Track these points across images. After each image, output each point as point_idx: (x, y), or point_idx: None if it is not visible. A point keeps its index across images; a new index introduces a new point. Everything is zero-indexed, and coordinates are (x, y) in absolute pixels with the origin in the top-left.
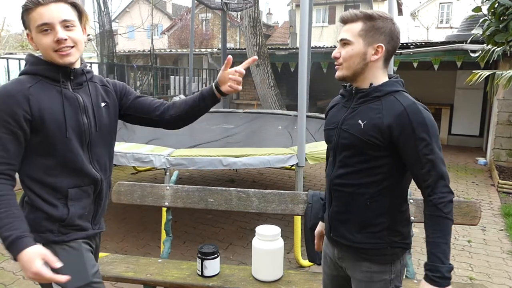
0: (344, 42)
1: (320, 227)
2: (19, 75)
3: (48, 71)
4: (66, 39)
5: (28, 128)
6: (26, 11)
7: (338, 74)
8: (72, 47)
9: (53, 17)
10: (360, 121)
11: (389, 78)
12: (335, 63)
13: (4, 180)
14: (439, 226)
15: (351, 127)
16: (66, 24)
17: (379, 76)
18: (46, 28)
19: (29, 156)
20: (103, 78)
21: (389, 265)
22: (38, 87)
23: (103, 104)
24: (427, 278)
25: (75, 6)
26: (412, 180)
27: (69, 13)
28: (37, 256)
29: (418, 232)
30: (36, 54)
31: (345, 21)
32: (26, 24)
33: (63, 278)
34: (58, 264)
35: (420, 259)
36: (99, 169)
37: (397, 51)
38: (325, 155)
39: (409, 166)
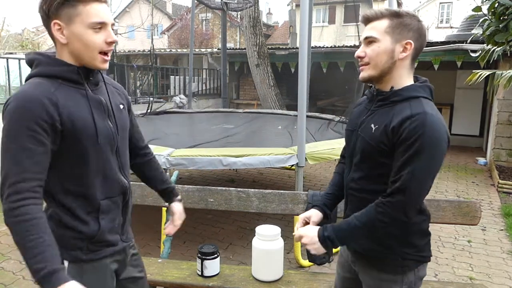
0: (370, 40)
1: (309, 213)
2: (30, 77)
3: (69, 73)
4: (116, 40)
5: (57, 137)
6: (78, 2)
7: (363, 74)
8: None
9: (108, 17)
10: (372, 126)
11: (415, 81)
12: (360, 63)
13: (33, 200)
14: (362, 214)
15: (364, 131)
16: (112, 26)
17: (404, 77)
18: (100, 26)
19: (56, 167)
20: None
21: (400, 275)
22: (61, 90)
23: (121, 106)
24: (320, 227)
25: None
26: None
27: (111, 17)
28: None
29: None
30: (44, 52)
31: (369, 19)
32: (59, 12)
33: None
34: None
35: None
36: (126, 175)
37: None
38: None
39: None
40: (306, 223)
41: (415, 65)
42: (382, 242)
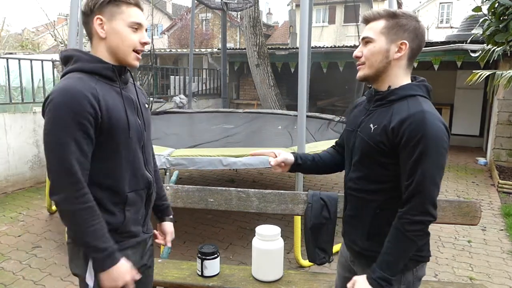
0: (366, 40)
1: (288, 155)
2: (69, 71)
3: (104, 70)
4: (149, 42)
5: (96, 130)
6: (122, 3)
7: (360, 74)
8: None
9: (145, 21)
10: (371, 125)
11: (413, 81)
12: (357, 63)
13: (87, 189)
14: (392, 237)
15: (363, 131)
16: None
17: (401, 77)
18: (137, 27)
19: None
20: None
21: (399, 275)
22: (100, 86)
23: (146, 105)
24: (367, 275)
25: None
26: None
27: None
28: (129, 269)
29: None
30: (81, 50)
31: (367, 20)
32: (103, 10)
33: None
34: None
35: None
36: (150, 170)
37: None
38: None
39: (401, 176)
40: (276, 156)
41: (415, 65)
42: (382, 242)
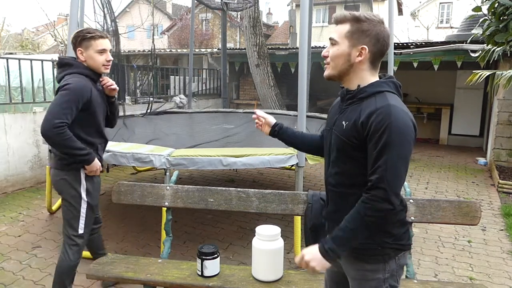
0: (332, 42)
1: (270, 118)
2: (71, 73)
3: (92, 75)
4: (111, 60)
5: (83, 107)
6: (91, 38)
7: (325, 73)
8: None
9: (108, 46)
10: (343, 122)
11: (381, 78)
12: (325, 62)
13: (69, 131)
14: (351, 217)
15: (337, 128)
16: (109, 51)
17: (366, 78)
18: (102, 51)
19: (79, 121)
20: None
21: (382, 264)
22: (91, 84)
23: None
24: (319, 243)
25: (110, 40)
26: (407, 181)
27: (110, 45)
28: (98, 163)
29: (418, 232)
30: (76, 58)
31: (336, 22)
32: (81, 44)
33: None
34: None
35: (420, 259)
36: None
37: (396, 51)
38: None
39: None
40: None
41: (415, 65)
42: (367, 235)
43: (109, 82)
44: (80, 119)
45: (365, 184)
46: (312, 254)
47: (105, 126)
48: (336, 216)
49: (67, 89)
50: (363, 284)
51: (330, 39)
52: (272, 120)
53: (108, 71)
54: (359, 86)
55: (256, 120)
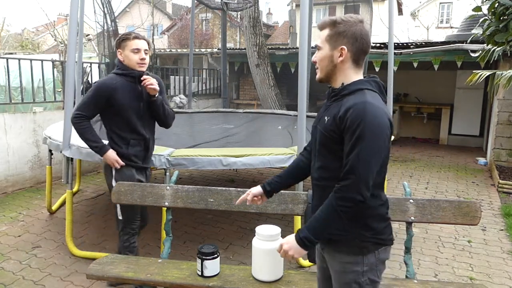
0: (318, 48)
1: (255, 190)
2: (112, 73)
3: (130, 74)
4: (145, 58)
5: (107, 104)
6: (126, 39)
7: (317, 77)
8: (146, 62)
9: (141, 46)
10: (326, 118)
11: (365, 78)
12: (315, 66)
13: (86, 120)
14: (325, 206)
15: (321, 124)
16: (145, 51)
17: (350, 76)
18: (137, 51)
19: (109, 117)
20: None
21: (360, 256)
22: (121, 82)
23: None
24: (295, 234)
25: (148, 43)
26: (407, 181)
27: (146, 46)
28: (115, 155)
29: (418, 232)
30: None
31: (319, 28)
32: (120, 45)
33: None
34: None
35: (420, 259)
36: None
37: (396, 51)
38: None
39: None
40: (252, 195)
41: (415, 65)
42: (340, 225)
43: (148, 81)
44: (109, 114)
45: None
46: (289, 243)
47: (160, 125)
48: None
49: (92, 86)
50: (342, 276)
51: (316, 46)
52: (258, 189)
53: (143, 69)
54: (343, 84)
55: (253, 201)
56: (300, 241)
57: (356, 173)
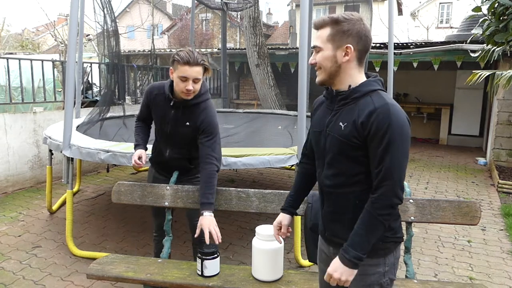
0: (316, 50)
1: (280, 217)
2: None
3: (162, 94)
4: (191, 90)
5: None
6: (177, 62)
7: (317, 79)
8: (194, 92)
9: (190, 75)
10: (341, 123)
11: (367, 77)
12: (315, 68)
13: (137, 123)
14: (364, 220)
15: (334, 130)
16: (195, 80)
17: (355, 76)
18: (184, 79)
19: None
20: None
21: (382, 258)
22: (157, 97)
23: (187, 124)
24: (339, 256)
25: (206, 68)
26: (407, 181)
27: (200, 73)
28: (137, 153)
29: (418, 232)
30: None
31: (316, 27)
32: (173, 64)
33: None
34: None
35: (420, 259)
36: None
37: (396, 51)
38: None
39: (370, 164)
40: (280, 228)
41: (415, 65)
42: (381, 233)
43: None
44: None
45: (365, 181)
46: (338, 269)
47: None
48: (336, 216)
49: (146, 90)
50: (363, 279)
51: (314, 47)
52: (287, 218)
53: (188, 97)
54: (350, 86)
55: (282, 234)
56: (350, 263)
57: (392, 178)
